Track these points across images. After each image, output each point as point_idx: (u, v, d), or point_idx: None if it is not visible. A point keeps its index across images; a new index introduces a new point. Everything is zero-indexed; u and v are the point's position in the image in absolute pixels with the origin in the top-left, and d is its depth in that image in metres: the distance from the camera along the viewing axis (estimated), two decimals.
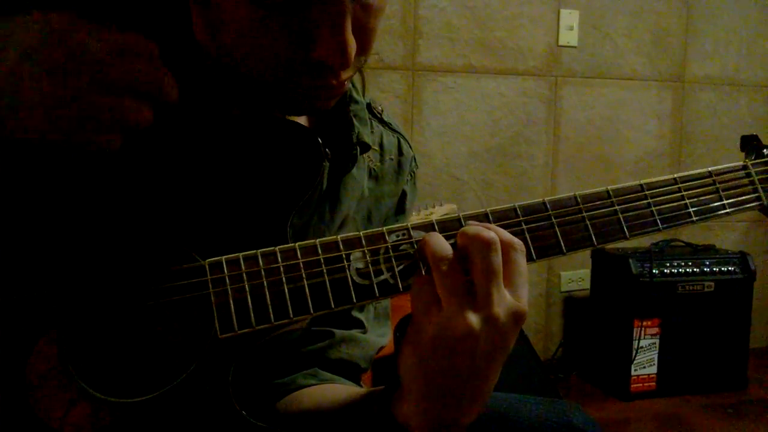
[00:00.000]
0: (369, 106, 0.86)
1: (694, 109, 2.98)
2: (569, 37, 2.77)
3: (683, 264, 2.55)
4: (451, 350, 0.57)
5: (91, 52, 0.53)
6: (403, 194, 0.91)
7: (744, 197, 0.75)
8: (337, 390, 0.81)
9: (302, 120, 0.78)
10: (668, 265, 2.54)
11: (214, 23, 0.62)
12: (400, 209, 0.91)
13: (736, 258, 2.60)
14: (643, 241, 2.86)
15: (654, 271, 2.49)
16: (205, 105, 0.70)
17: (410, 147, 0.92)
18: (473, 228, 0.60)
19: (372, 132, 0.86)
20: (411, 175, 0.92)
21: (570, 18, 2.76)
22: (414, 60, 2.63)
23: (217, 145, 0.69)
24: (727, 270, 2.57)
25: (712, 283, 2.55)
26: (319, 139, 0.71)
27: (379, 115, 0.88)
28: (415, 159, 0.93)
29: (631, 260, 2.50)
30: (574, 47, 2.79)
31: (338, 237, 0.62)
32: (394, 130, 0.90)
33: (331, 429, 0.74)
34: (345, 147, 0.79)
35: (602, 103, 2.86)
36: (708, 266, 2.56)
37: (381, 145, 0.88)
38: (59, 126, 0.53)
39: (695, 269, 2.55)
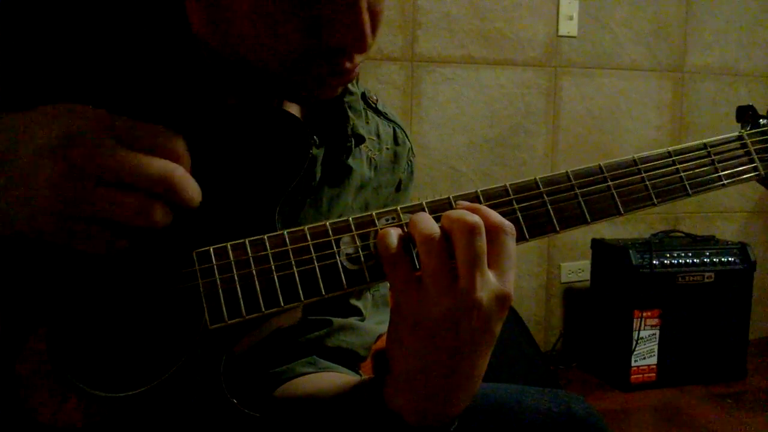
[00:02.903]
0: (364, 96, 0.86)
1: (693, 99, 2.97)
2: (569, 27, 2.76)
3: (683, 255, 2.55)
4: (430, 333, 0.57)
5: (110, 154, 0.53)
6: (400, 182, 0.90)
7: (741, 168, 0.73)
8: (333, 378, 0.80)
9: (295, 112, 0.78)
10: (668, 255, 2.53)
11: (218, 14, 0.61)
12: (398, 190, 0.90)
13: (736, 248, 2.60)
14: (643, 232, 2.87)
15: (654, 261, 2.49)
16: (197, 97, 0.69)
17: (407, 136, 0.91)
18: (457, 211, 0.58)
19: (368, 123, 0.85)
20: (408, 164, 0.91)
21: (569, 8, 2.74)
22: (413, 51, 2.62)
23: (204, 134, 0.68)
24: (727, 261, 2.57)
25: (712, 274, 2.55)
26: (307, 127, 0.71)
27: (374, 105, 0.87)
28: (412, 149, 0.92)
29: (631, 251, 2.50)
30: (574, 37, 2.78)
31: (327, 223, 0.62)
32: (389, 120, 0.90)
33: (325, 416, 0.74)
34: (340, 138, 0.78)
35: (602, 93, 2.85)
36: (708, 257, 2.56)
37: (377, 135, 0.87)
38: (66, 233, 0.54)
39: (695, 260, 2.54)
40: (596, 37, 2.81)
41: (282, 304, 0.59)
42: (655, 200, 0.68)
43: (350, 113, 0.79)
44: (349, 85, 0.80)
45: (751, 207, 3.10)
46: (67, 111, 0.54)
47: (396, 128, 0.90)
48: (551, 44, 2.76)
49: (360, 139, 0.80)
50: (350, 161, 0.81)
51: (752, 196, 3.08)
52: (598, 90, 2.85)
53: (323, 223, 0.62)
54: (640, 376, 2.54)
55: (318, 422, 0.74)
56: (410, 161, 0.91)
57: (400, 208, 0.62)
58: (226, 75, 0.68)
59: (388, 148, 0.88)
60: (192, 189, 0.56)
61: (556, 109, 2.80)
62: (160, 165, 0.54)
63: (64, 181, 0.52)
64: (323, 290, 0.60)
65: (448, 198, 0.63)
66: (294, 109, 0.78)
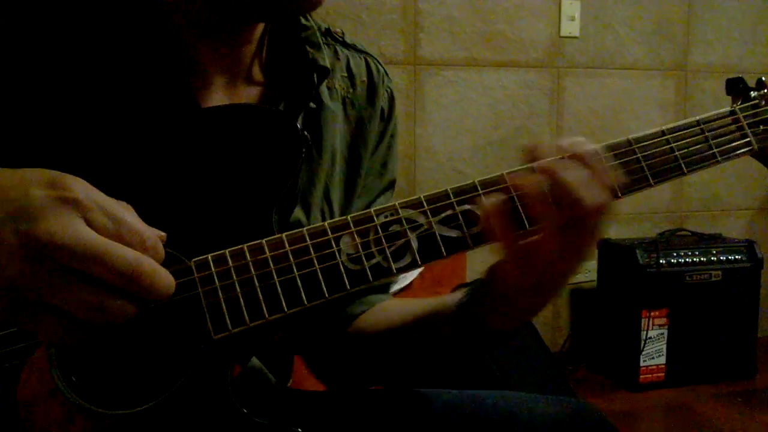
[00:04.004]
0: (328, 31, 0.85)
1: (697, 98, 2.96)
2: (571, 27, 2.76)
3: (690, 253, 2.54)
4: (542, 294, 0.66)
5: (72, 235, 0.48)
6: (383, 111, 0.89)
7: (734, 143, 0.72)
8: (405, 305, 0.84)
9: (258, 77, 0.79)
10: (675, 254, 2.52)
11: None
12: (383, 119, 0.90)
13: (743, 246, 2.59)
14: (649, 231, 2.86)
15: (661, 261, 2.48)
16: (181, 96, 0.70)
17: (379, 63, 0.90)
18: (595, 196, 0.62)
19: (338, 59, 0.85)
20: (387, 90, 0.90)
21: (572, 8, 2.74)
22: (415, 54, 2.62)
23: (192, 140, 0.68)
24: (735, 258, 2.55)
25: (720, 272, 2.53)
26: (298, 125, 0.71)
27: (341, 39, 0.87)
28: (387, 73, 0.91)
29: (637, 250, 2.49)
30: (576, 38, 2.78)
31: (326, 223, 0.61)
32: (360, 51, 0.89)
33: (424, 335, 0.78)
34: (304, 78, 0.77)
35: (605, 93, 2.84)
36: (715, 255, 2.55)
37: (349, 70, 0.86)
38: (13, 317, 0.49)
39: (702, 258, 2.53)
40: (598, 37, 2.81)
41: (285, 310, 0.59)
42: (651, 181, 0.68)
43: (308, 48, 0.78)
44: (302, 20, 0.80)
45: (757, 204, 3.08)
46: (40, 179, 0.50)
47: (368, 58, 0.89)
48: (554, 45, 2.76)
49: (323, 72, 0.79)
50: (325, 100, 0.81)
51: (758, 193, 3.07)
52: (601, 90, 2.84)
53: (322, 224, 0.61)
54: (649, 376, 2.53)
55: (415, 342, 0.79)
56: (389, 88, 0.91)
57: (398, 204, 0.62)
58: (201, 27, 0.70)
59: (363, 81, 0.87)
60: (160, 284, 0.52)
61: (559, 110, 2.80)
62: (126, 256, 0.50)
63: (16, 258, 0.47)
64: (326, 293, 0.60)
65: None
66: (256, 73, 0.78)
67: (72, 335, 0.51)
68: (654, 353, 2.52)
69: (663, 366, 2.53)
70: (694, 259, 2.53)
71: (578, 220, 0.60)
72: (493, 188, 0.64)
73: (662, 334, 2.51)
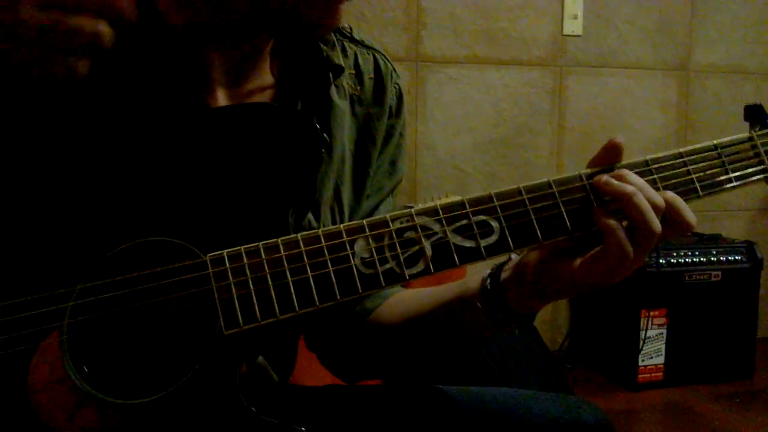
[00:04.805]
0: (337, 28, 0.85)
1: (699, 97, 2.96)
2: (573, 26, 2.75)
3: (690, 253, 2.54)
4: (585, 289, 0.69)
5: None
6: (391, 109, 0.89)
7: (750, 170, 0.73)
8: (420, 294, 0.84)
9: (268, 74, 0.79)
10: (675, 254, 2.52)
11: None
12: (390, 116, 0.90)
13: (743, 247, 2.59)
14: None
15: (660, 260, 2.48)
16: (192, 96, 0.70)
17: (387, 60, 0.90)
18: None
19: (346, 55, 0.85)
20: (395, 87, 0.90)
21: (574, 7, 2.74)
22: (417, 51, 2.61)
23: (208, 139, 0.68)
24: (734, 259, 2.56)
25: (719, 273, 2.54)
26: (317, 125, 0.71)
27: (349, 34, 0.87)
28: (395, 70, 0.91)
29: None
30: (579, 36, 2.78)
31: (341, 226, 0.62)
32: (368, 47, 0.89)
33: (445, 320, 0.79)
34: (318, 77, 0.78)
35: (607, 92, 2.84)
36: (715, 255, 2.55)
37: (357, 67, 0.86)
38: (13, 53, 0.52)
39: (702, 258, 2.54)
40: (601, 35, 2.81)
41: (297, 309, 0.59)
42: None
43: (322, 46, 0.79)
44: None
45: (757, 205, 3.09)
46: None
47: (375, 54, 0.89)
48: (556, 43, 2.76)
49: (338, 70, 0.80)
50: (334, 98, 0.81)
51: (758, 194, 3.07)
52: (603, 89, 2.84)
53: (337, 226, 0.62)
54: (648, 375, 2.53)
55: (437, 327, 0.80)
56: (397, 84, 0.91)
57: (414, 211, 0.63)
58: (211, 37, 0.71)
59: (371, 78, 0.87)
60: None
61: (561, 109, 2.80)
62: None
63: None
64: (338, 295, 0.60)
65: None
66: (267, 74, 0.78)
67: (78, 62, 0.53)
68: (653, 353, 2.52)
69: (661, 366, 2.53)
70: (694, 260, 2.53)
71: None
72: (508, 200, 0.64)
73: (661, 333, 2.52)
